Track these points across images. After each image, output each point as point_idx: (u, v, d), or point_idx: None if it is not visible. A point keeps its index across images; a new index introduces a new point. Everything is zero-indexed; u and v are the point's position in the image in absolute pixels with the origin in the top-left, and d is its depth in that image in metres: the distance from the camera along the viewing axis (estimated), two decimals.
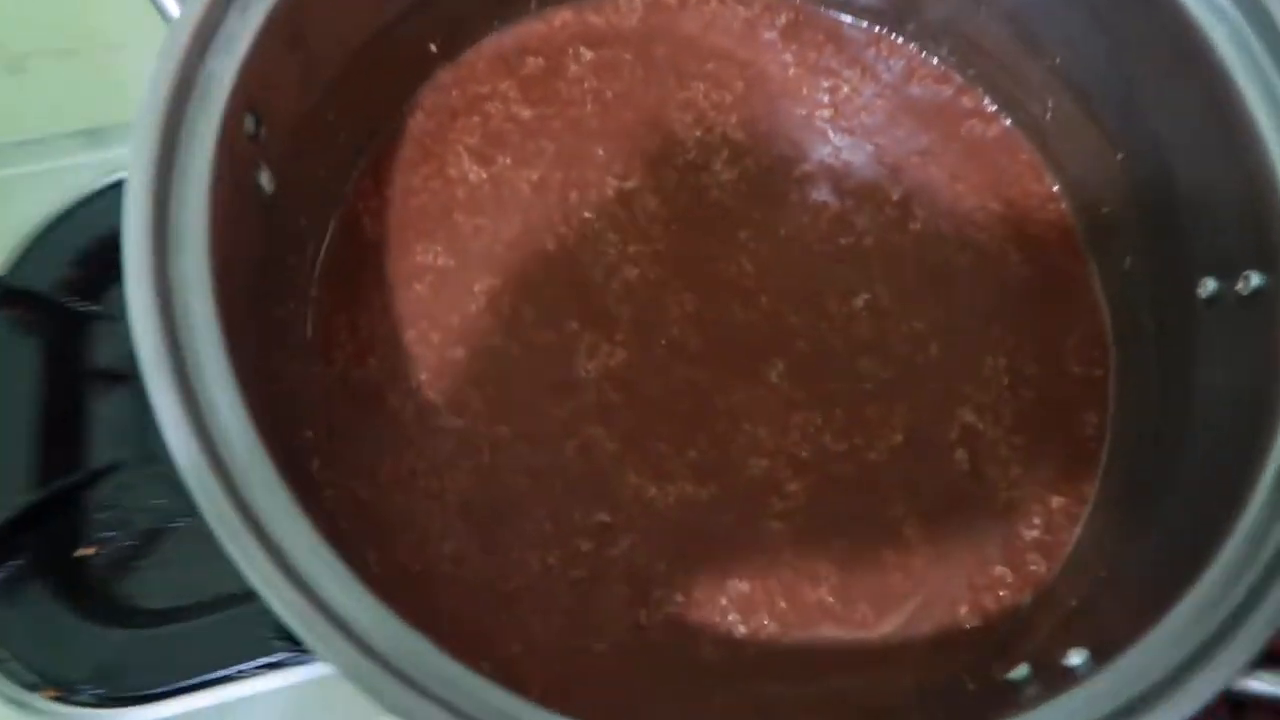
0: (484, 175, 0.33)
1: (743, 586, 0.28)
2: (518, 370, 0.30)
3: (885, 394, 0.29)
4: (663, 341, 0.30)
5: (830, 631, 0.27)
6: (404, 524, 0.28)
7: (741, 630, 0.27)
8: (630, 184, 0.33)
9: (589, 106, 0.34)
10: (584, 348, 0.30)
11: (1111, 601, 0.25)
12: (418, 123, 0.34)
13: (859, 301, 0.31)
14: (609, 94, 0.34)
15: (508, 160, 0.33)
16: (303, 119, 0.28)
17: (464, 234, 0.32)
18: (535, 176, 0.33)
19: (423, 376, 0.30)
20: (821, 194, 0.33)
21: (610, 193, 0.32)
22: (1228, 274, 0.26)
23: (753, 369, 0.30)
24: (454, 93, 0.34)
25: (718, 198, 0.32)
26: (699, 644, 0.27)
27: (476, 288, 0.31)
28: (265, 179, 0.26)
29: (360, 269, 0.32)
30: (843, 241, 0.32)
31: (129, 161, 0.22)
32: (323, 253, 0.32)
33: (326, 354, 0.30)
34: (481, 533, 0.28)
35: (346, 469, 0.28)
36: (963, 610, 0.27)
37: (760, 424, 0.29)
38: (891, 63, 0.34)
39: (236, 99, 0.24)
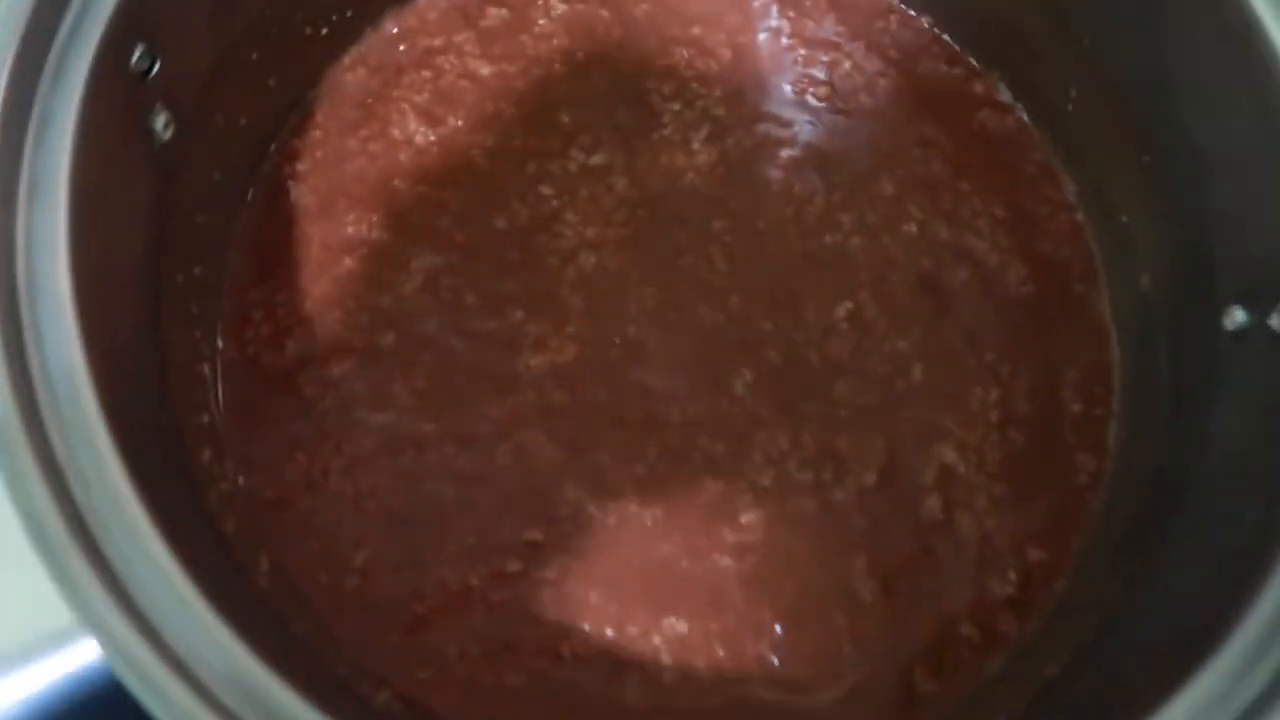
0: (431, 138, 0.29)
1: (680, 627, 0.25)
2: (453, 362, 0.27)
3: (860, 423, 0.26)
4: (617, 340, 0.27)
5: (764, 692, 0.24)
6: (308, 529, 0.25)
7: (670, 676, 0.24)
8: (596, 159, 0.29)
9: (557, 67, 0.31)
10: (529, 340, 0.27)
11: (1098, 676, 0.22)
12: (358, 77, 0.30)
13: (840, 310, 0.27)
14: (580, 55, 0.31)
15: (460, 122, 0.30)
16: (217, 60, 0.25)
17: (404, 203, 0.29)
18: (490, 142, 0.29)
19: (346, 364, 0.27)
20: (808, 184, 0.29)
21: (574, 167, 0.29)
22: (1260, 305, 0.22)
23: (716, 378, 0.26)
24: (402, 45, 0.31)
25: (692, 182, 0.29)
26: (624, 684, 0.24)
27: (414, 265, 0.28)
28: (161, 123, 0.23)
29: (283, 238, 0.28)
30: (827, 240, 0.28)
31: None
32: (242, 216, 0.28)
33: (238, 331, 0.27)
34: (398, 544, 0.25)
35: (245, 463, 0.25)
36: (916, 674, 0.24)
37: (719, 440, 0.26)
38: (900, 36, 0.31)
39: (120, 26, 0.20)
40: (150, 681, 0.16)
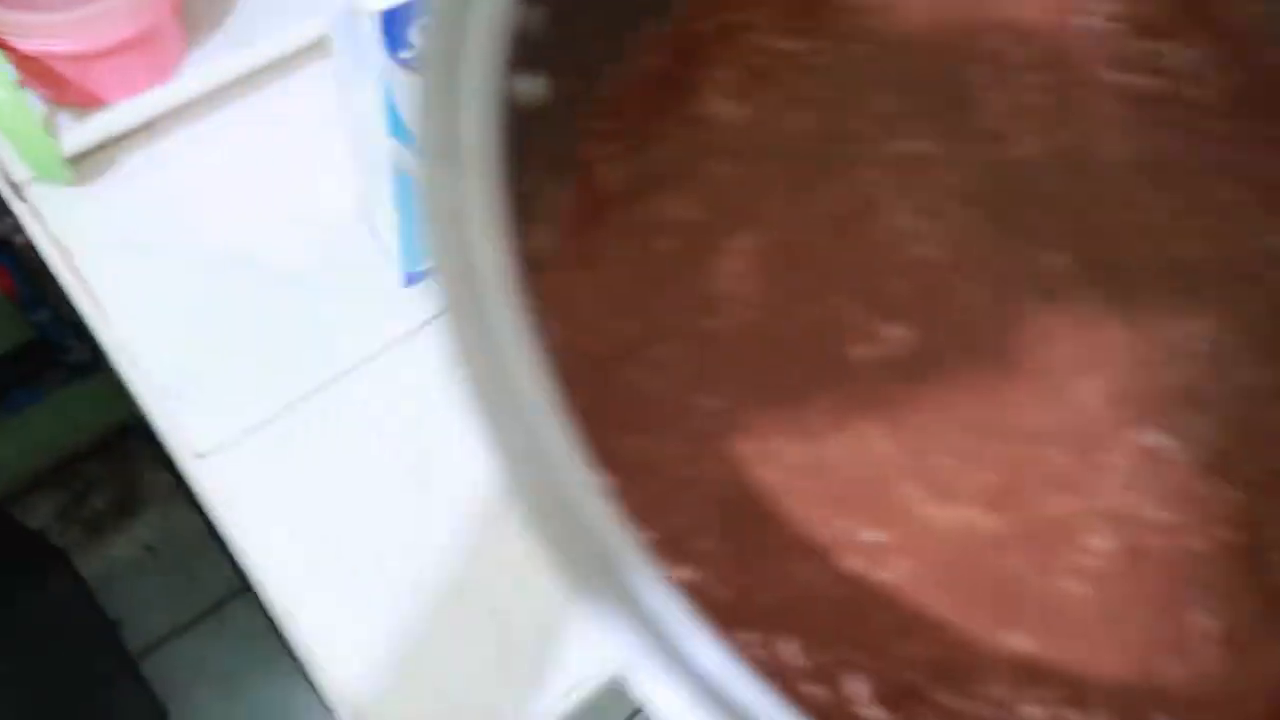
0: (743, 115, 0.28)
1: (1020, 642, 0.24)
2: (777, 347, 0.26)
3: (1219, 468, 0.24)
4: (953, 336, 0.26)
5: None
6: (651, 517, 0.24)
7: (1003, 690, 0.23)
8: (916, 147, 0.28)
9: (867, 46, 0.29)
10: (856, 329, 0.26)
11: None
12: (662, 58, 0.29)
13: (1187, 329, 0.26)
14: (896, 37, 0.29)
15: (770, 100, 0.29)
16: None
17: (717, 183, 0.28)
18: (804, 121, 0.28)
19: (668, 348, 0.26)
20: (1135, 181, 0.28)
21: (893, 154, 0.28)
22: None
23: (1061, 387, 0.25)
24: (703, 22, 0.30)
25: (1016, 175, 0.27)
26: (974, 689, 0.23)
27: (732, 246, 0.27)
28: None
29: (595, 223, 0.27)
30: (1166, 246, 0.27)
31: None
32: (559, 203, 0.27)
33: (558, 312, 0.26)
34: (736, 534, 0.24)
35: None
36: None
37: (1069, 455, 0.24)
38: (1243, 23, 0.29)
39: None
40: None
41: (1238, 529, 0.24)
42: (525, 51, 0.21)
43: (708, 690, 0.16)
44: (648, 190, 0.27)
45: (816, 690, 0.23)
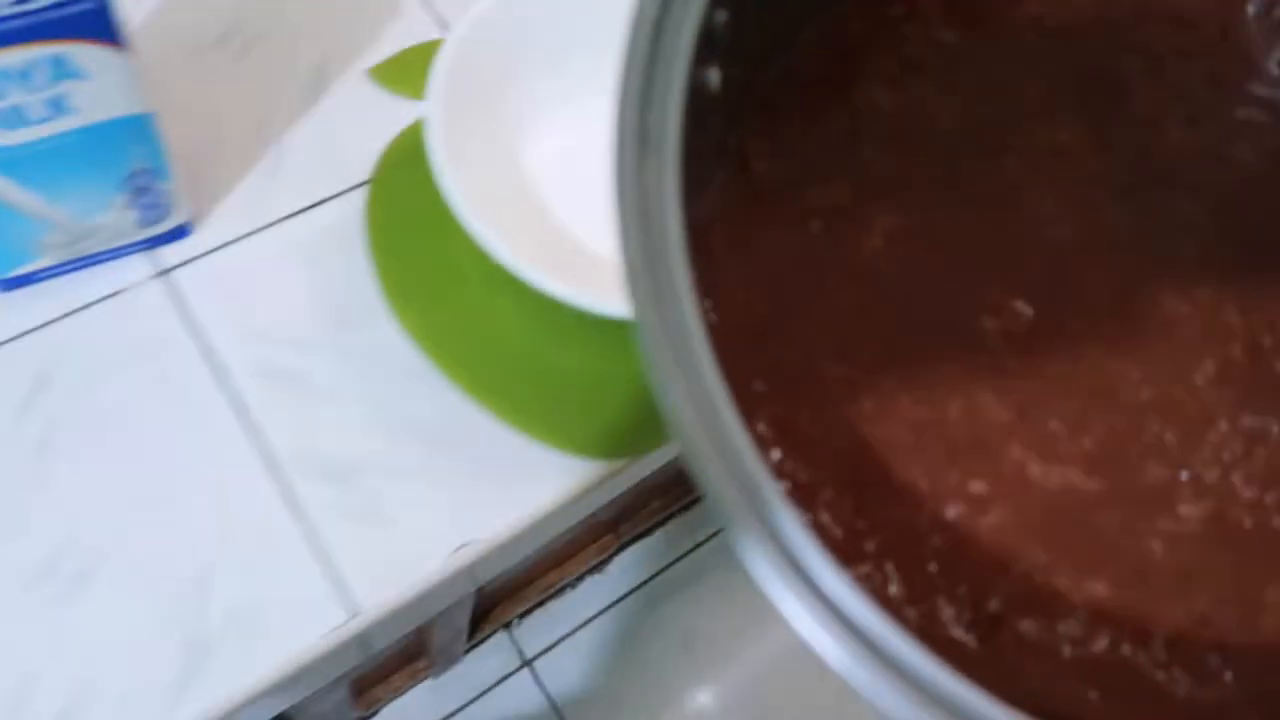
0: (896, 103, 0.32)
1: (1099, 589, 0.27)
2: (911, 319, 0.30)
3: None
4: (1075, 316, 0.28)
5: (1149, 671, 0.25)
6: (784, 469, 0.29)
7: (1076, 627, 0.26)
8: (1063, 135, 0.30)
9: (1026, 36, 0.31)
10: (987, 305, 0.29)
11: None
12: (819, 51, 0.32)
13: None
14: (1050, 23, 0.31)
15: (924, 89, 0.32)
16: None
17: (866, 166, 0.31)
18: (955, 109, 0.31)
19: (808, 322, 0.30)
20: None
21: (1039, 141, 0.30)
22: None
23: (1175, 366, 0.27)
24: (861, 15, 0.33)
25: (1165, 165, 0.29)
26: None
27: (876, 224, 0.31)
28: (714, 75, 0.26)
29: (748, 208, 0.31)
30: None
31: None
32: (716, 189, 0.32)
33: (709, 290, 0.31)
34: (854, 486, 0.29)
35: None
36: None
37: (1171, 428, 0.27)
38: None
39: None
40: None
41: None
42: (707, 48, 0.26)
43: (830, 609, 0.21)
44: (800, 178, 0.31)
45: (914, 612, 0.27)
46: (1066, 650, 0.26)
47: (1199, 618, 0.25)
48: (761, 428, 0.27)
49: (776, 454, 0.28)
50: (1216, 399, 0.27)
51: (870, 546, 0.28)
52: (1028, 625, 0.26)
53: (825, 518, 0.29)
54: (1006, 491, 0.28)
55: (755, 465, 0.22)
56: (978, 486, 0.28)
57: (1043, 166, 0.30)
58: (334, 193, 0.51)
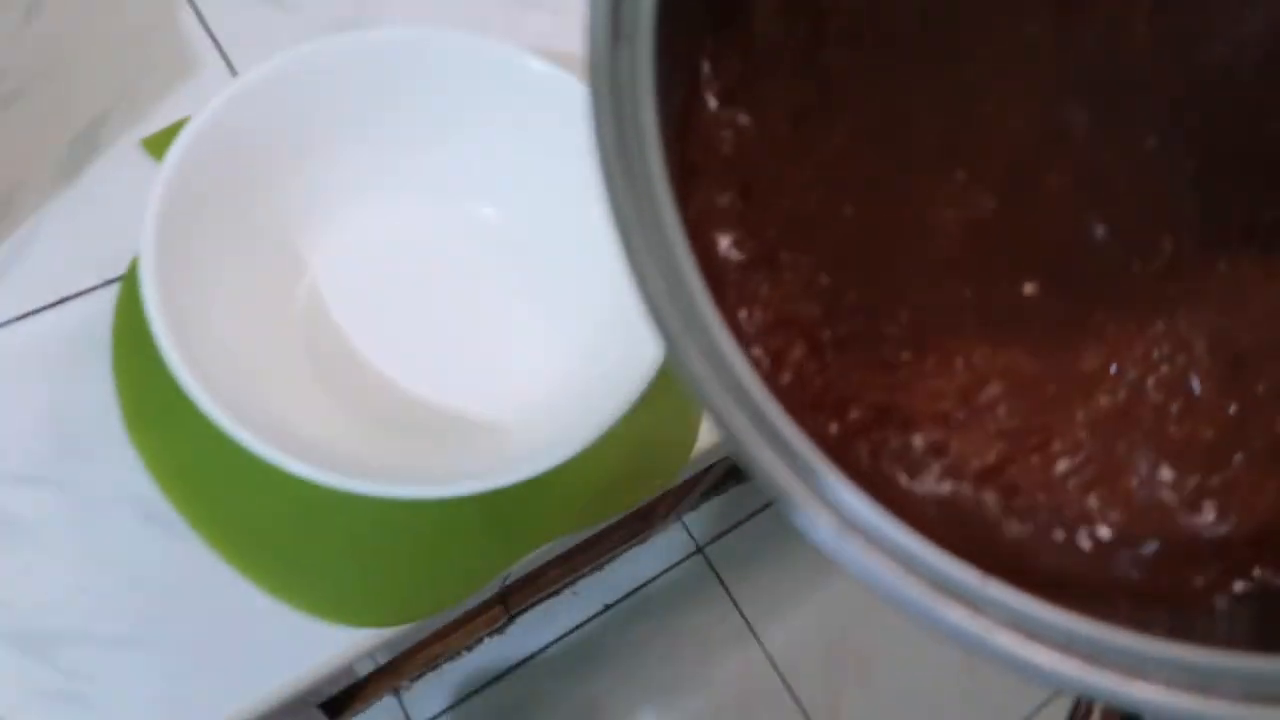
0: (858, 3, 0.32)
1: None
2: (870, 211, 0.30)
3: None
4: (1035, 196, 0.29)
5: None
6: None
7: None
8: (1028, 30, 0.30)
9: None
10: (946, 195, 0.30)
11: None
12: None
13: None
14: None
15: None
16: None
17: (831, 66, 0.32)
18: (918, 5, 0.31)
19: (776, 214, 0.31)
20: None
21: (1002, 40, 0.30)
22: None
23: (1136, 242, 0.28)
24: None
25: (1130, 56, 0.29)
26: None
27: (840, 124, 0.31)
28: None
29: (720, 106, 0.32)
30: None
31: None
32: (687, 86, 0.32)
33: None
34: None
35: None
36: None
37: (1112, 321, 0.28)
38: None
39: None
40: None
41: None
42: None
43: (845, 516, 0.22)
44: (769, 77, 0.31)
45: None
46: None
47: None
48: (742, 314, 0.28)
49: (743, 313, 0.29)
50: (1171, 289, 0.28)
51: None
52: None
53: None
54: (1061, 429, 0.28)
55: (726, 341, 0.23)
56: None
57: (1008, 66, 0.30)
58: (86, 287, 0.42)
